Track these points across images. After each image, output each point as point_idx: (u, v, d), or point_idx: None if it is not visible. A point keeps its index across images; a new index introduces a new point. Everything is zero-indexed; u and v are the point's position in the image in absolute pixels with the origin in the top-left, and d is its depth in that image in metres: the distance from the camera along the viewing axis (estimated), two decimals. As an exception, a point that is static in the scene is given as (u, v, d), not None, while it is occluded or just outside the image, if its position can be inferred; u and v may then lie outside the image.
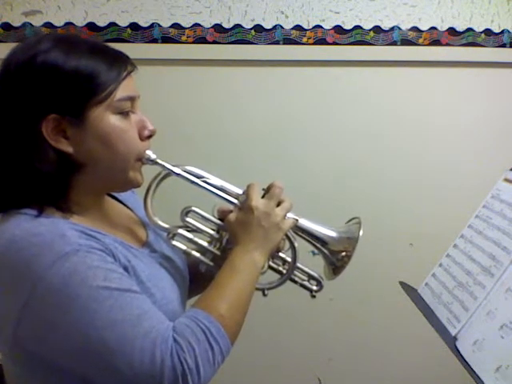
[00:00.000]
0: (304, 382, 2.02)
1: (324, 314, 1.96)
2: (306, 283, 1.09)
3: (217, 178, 0.99)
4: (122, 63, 0.86)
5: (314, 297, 1.09)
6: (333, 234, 1.01)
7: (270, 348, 1.97)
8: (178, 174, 0.95)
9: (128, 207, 1.06)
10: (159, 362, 0.75)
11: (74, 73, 0.81)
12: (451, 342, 0.92)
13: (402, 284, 1.14)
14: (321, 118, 1.88)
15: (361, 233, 0.98)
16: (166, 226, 0.98)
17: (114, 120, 0.85)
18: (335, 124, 1.89)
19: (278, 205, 0.96)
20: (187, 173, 0.97)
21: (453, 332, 0.94)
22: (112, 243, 0.85)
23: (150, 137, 0.91)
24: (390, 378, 2.03)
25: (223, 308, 0.84)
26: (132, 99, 0.88)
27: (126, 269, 0.84)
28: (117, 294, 0.77)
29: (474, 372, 0.83)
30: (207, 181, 0.98)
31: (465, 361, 0.86)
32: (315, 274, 1.09)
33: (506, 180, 1.05)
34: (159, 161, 0.93)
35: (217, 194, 0.97)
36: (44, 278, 0.74)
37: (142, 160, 0.91)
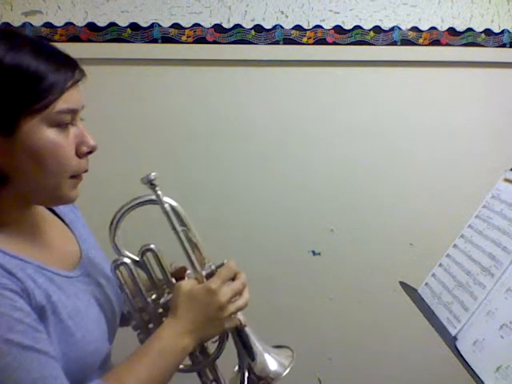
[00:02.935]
0: (304, 382, 2.02)
1: (324, 314, 1.96)
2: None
3: (196, 232, 0.91)
4: (69, 70, 0.76)
5: None
6: (265, 357, 0.92)
7: (270, 348, 1.97)
8: (164, 211, 0.88)
9: (65, 223, 0.96)
10: None
11: (12, 73, 0.71)
12: (451, 342, 0.92)
13: (402, 284, 1.14)
14: (321, 118, 1.88)
15: (287, 371, 0.90)
16: (121, 251, 0.90)
17: (48, 134, 0.75)
18: (335, 124, 1.89)
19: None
20: (174, 212, 0.89)
21: (453, 332, 0.94)
22: (32, 274, 0.76)
23: (89, 153, 0.81)
24: (390, 378, 2.03)
25: None
26: (73, 112, 0.78)
27: (41, 309, 0.75)
28: (17, 351, 0.69)
29: (474, 372, 0.83)
30: (186, 231, 0.89)
31: (465, 361, 0.86)
32: (223, 382, 0.96)
33: (506, 180, 1.05)
34: (158, 189, 0.87)
35: (185, 251, 0.88)
36: None
37: (146, 184, 0.85)
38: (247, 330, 0.93)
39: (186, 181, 1.78)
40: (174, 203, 0.90)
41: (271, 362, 0.92)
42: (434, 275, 1.10)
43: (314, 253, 1.87)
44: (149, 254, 0.91)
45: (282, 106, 1.86)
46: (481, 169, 1.88)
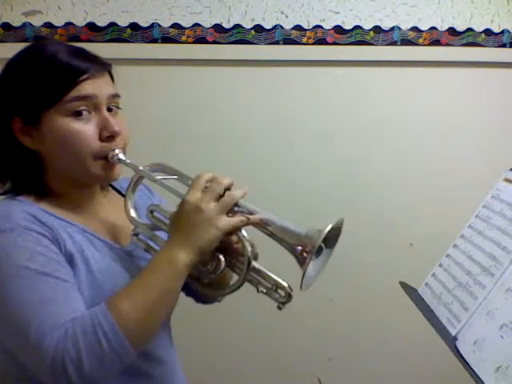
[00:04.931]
0: (304, 382, 2.02)
1: (324, 314, 1.96)
2: (271, 292, 0.95)
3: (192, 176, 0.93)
4: (81, 68, 0.89)
5: (280, 309, 0.95)
6: (294, 229, 0.90)
7: (270, 348, 1.97)
8: (140, 170, 0.95)
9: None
10: (46, 346, 0.78)
11: (31, 79, 0.89)
12: (451, 342, 0.92)
13: (402, 284, 1.14)
14: (321, 118, 1.88)
15: (327, 229, 0.88)
16: (136, 220, 0.96)
17: (63, 122, 0.89)
18: (335, 124, 1.89)
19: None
20: (151, 171, 0.96)
21: (453, 332, 0.94)
22: (71, 232, 0.89)
23: (111, 137, 0.91)
24: (390, 378, 2.02)
25: (125, 306, 0.81)
26: (86, 99, 0.89)
27: (70, 256, 0.87)
28: (34, 276, 0.81)
29: (474, 372, 0.82)
30: (177, 179, 0.94)
31: (465, 361, 0.86)
32: (283, 282, 0.95)
33: (506, 180, 1.05)
34: (127, 160, 0.94)
35: (177, 193, 0.91)
36: None
37: (109, 159, 0.92)
38: (270, 220, 0.88)
39: (186, 181, 1.77)
40: (155, 162, 0.97)
41: (307, 231, 0.89)
42: (434, 275, 1.10)
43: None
44: (155, 214, 0.97)
45: (282, 106, 1.86)
46: (481, 168, 1.88)
